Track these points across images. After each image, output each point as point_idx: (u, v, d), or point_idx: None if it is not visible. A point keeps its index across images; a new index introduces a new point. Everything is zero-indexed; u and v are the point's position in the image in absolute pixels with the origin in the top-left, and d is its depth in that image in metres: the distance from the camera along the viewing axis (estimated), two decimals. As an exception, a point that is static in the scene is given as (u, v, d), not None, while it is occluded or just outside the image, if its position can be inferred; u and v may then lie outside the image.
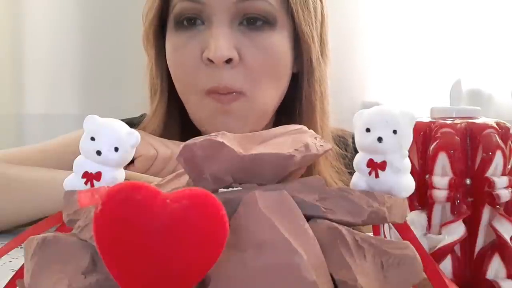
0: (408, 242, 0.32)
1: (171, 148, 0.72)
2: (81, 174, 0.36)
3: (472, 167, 0.43)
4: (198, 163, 0.33)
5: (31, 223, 0.68)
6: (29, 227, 0.39)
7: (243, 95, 0.72)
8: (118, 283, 0.27)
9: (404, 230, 0.34)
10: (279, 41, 0.73)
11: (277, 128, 0.38)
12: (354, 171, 0.34)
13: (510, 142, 0.44)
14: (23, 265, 0.34)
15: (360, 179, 0.33)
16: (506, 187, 0.43)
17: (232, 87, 0.71)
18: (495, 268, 0.42)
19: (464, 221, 0.42)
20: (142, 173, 0.67)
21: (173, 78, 0.76)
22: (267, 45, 0.72)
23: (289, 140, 0.35)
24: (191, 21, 0.72)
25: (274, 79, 0.74)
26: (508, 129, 0.44)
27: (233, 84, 0.71)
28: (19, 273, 0.36)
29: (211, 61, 0.70)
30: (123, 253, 0.27)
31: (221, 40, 0.70)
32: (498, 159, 0.42)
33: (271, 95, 0.75)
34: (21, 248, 0.35)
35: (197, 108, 0.75)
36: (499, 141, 0.43)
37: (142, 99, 0.82)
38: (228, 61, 0.70)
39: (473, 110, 0.46)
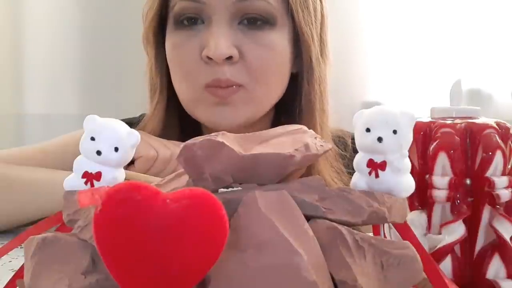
0: (408, 242, 0.32)
1: (171, 148, 0.72)
2: (81, 174, 0.36)
3: (472, 167, 0.43)
4: (198, 163, 0.33)
5: (32, 223, 0.68)
6: (29, 227, 0.39)
7: (243, 88, 0.72)
8: (118, 283, 0.27)
9: (404, 230, 0.34)
10: (278, 40, 0.74)
11: (277, 128, 0.38)
12: (353, 171, 0.34)
13: (510, 142, 0.44)
14: (23, 265, 0.34)
15: (360, 179, 0.33)
16: (506, 187, 0.43)
17: (233, 81, 0.71)
18: (495, 268, 0.42)
19: (464, 221, 0.42)
20: (143, 173, 0.67)
21: (171, 75, 0.76)
22: (267, 42, 0.73)
23: (289, 140, 0.35)
24: (191, 20, 0.73)
25: (274, 76, 0.75)
26: (508, 129, 0.44)
27: (234, 78, 0.71)
28: (19, 273, 0.36)
29: (210, 59, 0.70)
30: (123, 253, 0.27)
31: (221, 39, 0.70)
32: (498, 159, 0.42)
33: (270, 90, 0.75)
34: (21, 248, 0.35)
35: (193, 100, 0.75)
36: (499, 141, 0.43)
37: (142, 99, 0.82)
38: (228, 58, 0.70)
39: (473, 110, 0.46)
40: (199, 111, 0.75)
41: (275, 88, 0.76)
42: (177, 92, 0.76)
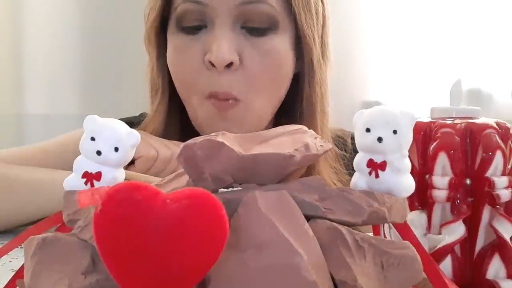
0: (408, 242, 0.32)
1: (172, 148, 0.72)
2: (81, 174, 0.36)
3: (472, 167, 0.43)
4: (198, 163, 0.33)
5: (32, 223, 0.68)
6: (29, 227, 0.39)
7: (240, 102, 0.72)
8: (118, 283, 0.27)
9: (404, 230, 0.34)
10: (280, 44, 0.73)
11: (277, 128, 0.38)
12: (353, 172, 0.34)
13: (510, 142, 0.44)
14: (23, 265, 0.34)
15: (360, 179, 0.33)
16: (506, 187, 0.43)
17: (230, 94, 0.71)
18: (495, 268, 0.42)
19: (464, 221, 0.42)
20: (143, 173, 0.67)
21: (173, 78, 0.76)
22: (268, 49, 0.72)
23: (289, 140, 0.35)
24: (193, 23, 0.72)
25: (274, 83, 0.74)
26: (508, 129, 0.44)
27: (231, 91, 0.71)
28: (19, 273, 0.36)
29: (212, 64, 0.70)
30: (123, 253, 0.27)
31: (224, 43, 0.70)
32: (498, 159, 0.42)
33: (270, 100, 0.75)
34: (21, 248, 0.35)
35: (197, 109, 0.75)
36: (499, 141, 0.43)
37: (142, 98, 0.82)
38: (229, 65, 0.70)
39: (473, 110, 0.46)
40: (201, 120, 0.75)
41: (275, 95, 0.76)
42: (182, 99, 0.77)
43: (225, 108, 0.72)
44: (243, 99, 0.72)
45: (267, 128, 0.78)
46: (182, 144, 0.33)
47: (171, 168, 0.70)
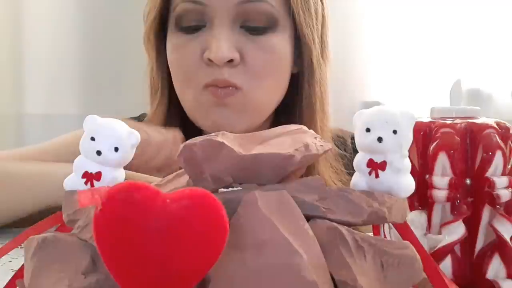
0: (408, 242, 0.32)
1: (164, 134, 0.71)
2: (81, 174, 0.36)
3: (472, 167, 0.43)
4: (198, 163, 0.33)
5: (31, 216, 0.68)
6: (29, 227, 0.39)
7: (240, 90, 0.72)
8: (118, 283, 0.27)
9: (404, 230, 0.34)
10: (280, 43, 0.74)
11: (277, 128, 0.38)
12: (353, 172, 0.34)
13: (510, 142, 0.44)
14: (23, 265, 0.34)
15: (360, 179, 0.33)
16: (506, 187, 0.43)
17: (231, 81, 0.71)
18: (495, 268, 0.42)
19: (464, 221, 0.42)
20: (137, 157, 0.67)
21: (172, 77, 0.76)
22: (268, 46, 0.73)
23: (289, 140, 0.35)
24: (193, 22, 0.73)
25: (274, 79, 0.75)
26: (508, 129, 0.44)
27: (233, 79, 0.71)
28: (19, 273, 0.36)
29: (211, 61, 0.70)
30: (123, 253, 0.27)
31: (222, 41, 0.70)
32: (498, 159, 0.42)
33: (270, 93, 0.75)
34: (21, 248, 0.35)
35: (194, 101, 0.75)
36: (499, 141, 0.43)
37: (142, 99, 0.82)
38: (229, 61, 0.70)
39: (473, 110, 0.46)
40: (200, 113, 0.75)
41: (275, 91, 0.76)
42: (178, 94, 0.76)
43: (224, 95, 0.72)
44: (243, 88, 0.72)
45: (266, 126, 0.78)
46: (182, 144, 0.33)
47: (164, 153, 0.70)
